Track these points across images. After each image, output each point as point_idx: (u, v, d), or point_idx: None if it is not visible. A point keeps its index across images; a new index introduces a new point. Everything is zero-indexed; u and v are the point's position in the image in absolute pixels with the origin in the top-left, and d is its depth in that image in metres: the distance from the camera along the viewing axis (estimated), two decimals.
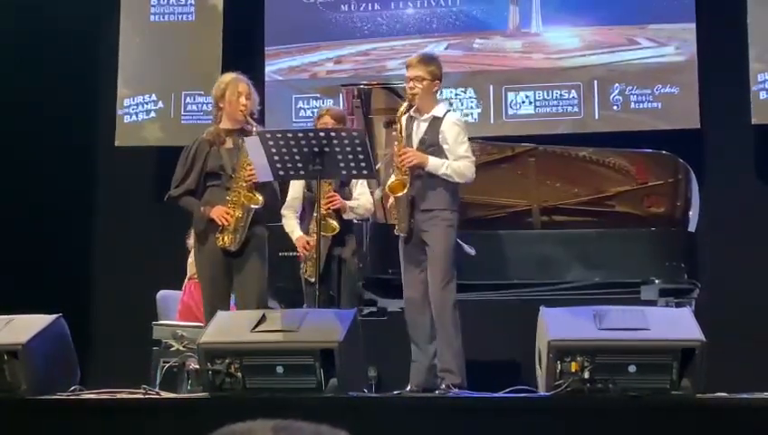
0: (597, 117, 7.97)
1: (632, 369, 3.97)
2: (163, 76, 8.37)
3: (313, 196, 5.18)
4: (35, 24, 8.44)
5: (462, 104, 8.01)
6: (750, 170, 7.70)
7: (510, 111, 8.09)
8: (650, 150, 6.50)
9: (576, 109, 7.99)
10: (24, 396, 4.34)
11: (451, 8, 8.27)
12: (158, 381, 5.53)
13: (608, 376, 3.96)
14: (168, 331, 5.99)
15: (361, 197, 5.50)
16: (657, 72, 7.91)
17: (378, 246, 5.79)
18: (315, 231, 5.09)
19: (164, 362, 5.71)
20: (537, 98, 8.06)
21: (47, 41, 8.42)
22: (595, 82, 7.98)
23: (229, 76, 5.35)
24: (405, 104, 5.15)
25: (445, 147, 5.09)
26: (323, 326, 4.27)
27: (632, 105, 7.92)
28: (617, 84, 7.95)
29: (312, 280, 5.14)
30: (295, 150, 4.77)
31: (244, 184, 5.10)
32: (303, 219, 5.51)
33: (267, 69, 8.36)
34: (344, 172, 4.89)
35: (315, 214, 5.05)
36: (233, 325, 4.39)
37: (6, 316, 4.62)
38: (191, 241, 6.60)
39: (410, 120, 5.18)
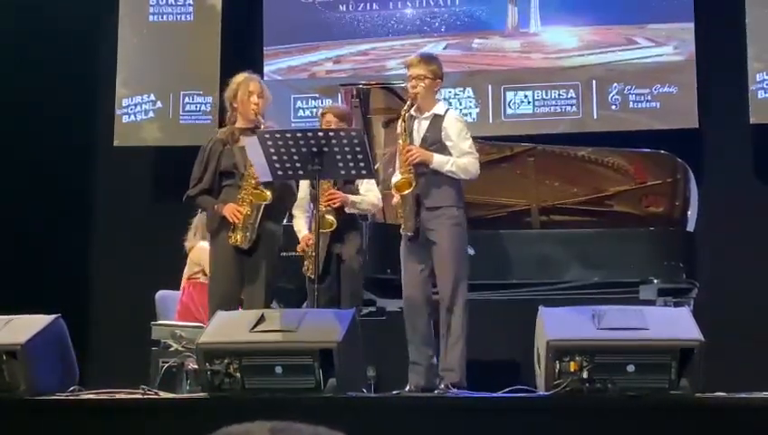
0: (596, 116, 7.97)
1: (631, 369, 3.97)
2: (162, 76, 8.37)
3: (315, 193, 5.17)
4: (34, 24, 8.44)
5: (461, 104, 8.01)
6: (749, 170, 7.70)
7: (509, 111, 8.09)
8: (649, 150, 6.50)
9: (575, 108, 7.99)
10: (23, 396, 4.34)
11: (450, 8, 8.27)
12: (157, 382, 5.52)
13: (606, 376, 3.96)
14: (167, 331, 5.99)
15: (368, 193, 5.49)
16: (656, 72, 7.91)
17: (377, 245, 5.79)
18: (315, 229, 5.09)
19: (163, 363, 5.70)
20: (536, 98, 8.06)
21: (46, 41, 8.42)
22: (594, 81, 7.99)
23: (241, 76, 5.37)
24: (408, 103, 5.15)
25: (448, 144, 5.09)
26: (322, 326, 4.27)
27: (631, 105, 7.92)
28: (615, 84, 7.95)
29: (313, 277, 5.13)
30: (294, 151, 4.77)
31: (253, 181, 5.11)
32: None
33: (266, 69, 8.36)
34: (343, 172, 4.89)
35: (315, 212, 5.06)
36: (232, 325, 4.39)
37: (5, 316, 4.62)
38: (189, 243, 6.61)
39: (411, 118, 5.18)
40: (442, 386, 4.86)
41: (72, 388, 4.51)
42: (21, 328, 4.51)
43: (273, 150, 4.78)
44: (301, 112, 8.35)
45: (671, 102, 7.84)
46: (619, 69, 7.99)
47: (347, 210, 5.41)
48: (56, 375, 4.55)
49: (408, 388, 5.00)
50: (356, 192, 5.48)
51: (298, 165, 4.80)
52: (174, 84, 8.33)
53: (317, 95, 8.35)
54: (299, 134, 4.81)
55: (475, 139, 5.31)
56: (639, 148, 6.59)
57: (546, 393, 4.01)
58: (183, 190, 5.32)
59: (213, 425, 1.32)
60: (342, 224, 5.38)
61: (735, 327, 7.06)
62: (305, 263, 5.35)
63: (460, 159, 5.06)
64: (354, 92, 6.25)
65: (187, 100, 8.32)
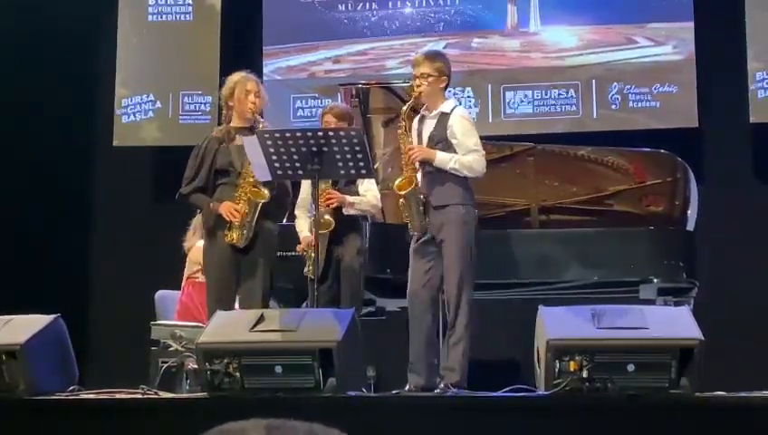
0: (595, 116, 7.97)
1: (631, 368, 3.97)
2: (161, 76, 8.37)
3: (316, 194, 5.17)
4: (34, 24, 8.44)
5: (460, 103, 7.99)
6: (748, 169, 7.70)
7: (508, 111, 8.09)
8: (649, 149, 6.50)
9: (574, 108, 7.99)
10: (23, 396, 4.34)
11: (449, 7, 8.27)
12: (156, 382, 5.52)
13: (606, 375, 3.96)
14: (167, 331, 5.98)
15: (367, 193, 5.48)
16: (656, 71, 7.91)
17: (377, 245, 5.79)
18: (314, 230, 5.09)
19: (162, 362, 5.69)
20: (535, 97, 8.06)
21: (46, 41, 8.42)
22: (593, 81, 7.98)
23: (238, 75, 5.36)
24: (410, 102, 5.12)
25: (453, 141, 5.05)
26: (322, 326, 4.27)
27: (630, 104, 7.92)
28: (615, 83, 7.95)
29: (313, 277, 5.12)
30: (293, 150, 4.76)
31: (251, 179, 5.11)
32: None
33: (265, 68, 8.36)
34: (342, 172, 4.88)
35: (315, 213, 5.06)
36: (231, 325, 4.39)
37: (5, 316, 4.62)
38: (187, 243, 6.61)
39: (421, 118, 5.16)
40: (442, 385, 4.85)
41: (71, 388, 4.51)
42: (20, 328, 4.51)
43: (272, 150, 4.78)
44: (300, 112, 8.34)
45: (671, 102, 7.84)
46: (618, 68, 7.99)
47: (344, 211, 5.40)
48: (56, 375, 4.55)
49: (407, 387, 4.98)
50: (356, 192, 5.47)
51: (297, 165, 4.80)
52: (173, 84, 8.33)
53: (316, 95, 8.35)
54: (298, 134, 4.81)
55: None
56: (639, 147, 6.59)
57: (546, 393, 4.01)
58: None
59: (213, 425, 1.32)
60: (342, 224, 5.38)
61: (735, 326, 7.06)
62: (307, 264, 5.34)
63: (465, 156, 5.03)
64: (353, 92, 6.25)
65: (186, 99, 8.32)
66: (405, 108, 5.13)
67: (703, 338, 3.99)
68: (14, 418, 4.28)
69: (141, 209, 8.30)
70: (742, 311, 7.22)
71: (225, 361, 4.14)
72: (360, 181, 5.45)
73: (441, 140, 5.06)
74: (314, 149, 4.73)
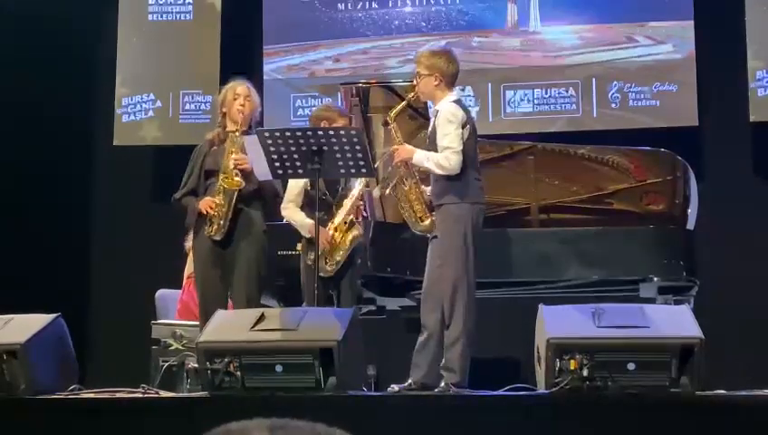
0: (595, 115, 7.97)
1: (631, 366, 3.98)
2: (161, 75, 8.37)
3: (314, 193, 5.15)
4: (34, 24, 8.44)
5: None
6: (748, 168, 7.70)
7: (508, 109, 8.09)
8: (649, 148, 6.49)
9: (574, 107, 7.99)
10: (23, 396, 4.35)
11: (449, 6, 8.27)
12: (157, 381, 5.52)
13: (607, 374, 3.96)
14: (168, 330, 5.98)
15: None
16: (656, 70, 7.91)
17: (377, 244, 5.79)
18: (341, 226, 5.06)
19: (163, 362, 5.70)
20: (535, 96, 8.06)
21: (46, 40, 8.41)
22: (593, 79, 7.98)
23: (232, 81, 5.42)
24: (403, 102, 5.11)
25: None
26: (322, 325, 4.27)
27: (630, 103, 7.91)
28: (615, 82, 7.95)
29: (321, 274, 5.09)
30: (294, 149, 4.77)
31: (229, 169, 5.13)
32: None
33: (266, 68, 8.36)
34: (343, 171, 4.89)
35: (320, 213, 5.04)
36: (231, 324, 4.40)
37: (5, 316, 4.63)
38: (189, 243, 6.62)
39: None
40: (442, 384, 4.84)
41: (72, 387, 4.52)
42: (21, 327, 4.52)
43: (272, 149, 4.78)
44: (300, 112, 8.34)
45: (671, 100, 7.84)
46: (618, 67, 7.99)
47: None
48: (56, 374, 4.55)
49: (408, 382, 4.91)
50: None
51: (298, 164, 4.80)
52: (173, 84, 8.33)
53: (317, 94, 8.35)
54: (299, 133, 4.81)
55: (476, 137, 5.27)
56: (639, 146, 6.58)
57: (546, 391, 4.02)
58: None
59: (213, 424, 1.32)
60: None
61: (736, 325, 7.06)
62: (307, 256, 5.29)
63: (439, 153, 4.89)
64: (354, 91, 6.25)
65: (186, 99, 8.32)
66: (399, 107, 5.09)
67: (703, 337, 4.00)
68: (15, 417, 4.28)
69: (142, 208, 8.30)
70: (742, 310, 7.21)
71: (226, 360, 4.15)
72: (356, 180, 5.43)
73: (433, 139, 5.03)
74: (315, 148, 4.73)
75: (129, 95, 8.37)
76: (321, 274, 5.09)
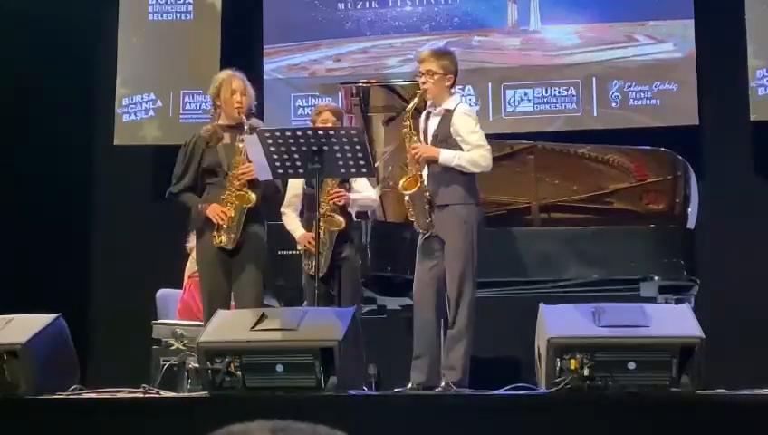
0: (595, 114, 7.97)
1: (632, 366, 3.97)
2: (162, 75, 8.37)
3: (314, 192, 5.15)
4: (34, 24, 8.44)
5: (462, 101, 8.00)
6: (748, 167, 7.70)
7: (508, 109, 8.09)
8: (649, 147, 6.50)
9: (574, 106, 7.99)
10: (24, 396, 4.35)
11: (450, 5, 8.27)
12: (158, 381, 5.52)
13: (607, 373, 3.96)
14: (168, 330, 5.99)
15: (365, 189, 5.46)
16: (656, 69, 7.91)
17: (377, 243, 5.79)
18: (320, 227, 5.06)
19: (164, 361, 5.70)
20: (536, 95, 8.06)
21: (46, 40, 8.42)
22: (594, 79, 7.98)
23: (224, 73, 5.34)
24: (415, 100, 5.11)
25: (457, 139, 5.03)
26: (323, 325, 4.27)
27: (631, 102, 7.91)
28: (615, 81, 7.95)
29: (318, 274, 5.09)
30: (294, 149, 4.76)
31: (237, 183, 5.09)
32: (302, 216, 5.46)
33: (266, 67, 8.36)
34: (343, 171, 4.88)
35: (321, 210, 5.04)
36: (232, 324, 4.40)
37: (6, 316, 4.62)
38: (190, 244, 6.61)
39: (428, 115, 5.15)
40: (443, 384, 4.85)
41: (72, 387, 4.52)
42: (22, 327, 4.51)
43: (273, 149, 4.78)
44: (301, 111, 8.34)
45: (671, 100, 7.84)
46: (619, 66, 7.98)
47: (349, 209, 5.39)
48: (57, 374, 4.55)
49: (409, 385, 4.98)
50: (349, 191, 5.45)
51: (298, 163, 4.80)
52: (174, 83, 8.33)
53: (317, 93, 8.35)
54: (299, 132, 4.81)
55: None
56: (639, 145, 6.59)
57: (547, 391, 4.02)
58: None
59: (214, 424, 1.32)
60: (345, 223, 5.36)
61: (736, 324, 7.06)
62: (305, 261, 5.32)
63: (470, 152, 5.00)
64: (354, 91, 6.25)
65: (187, 99, 8.32)
66: (409, 106, 5.12)
67: (704, 336, 4.00)
68: (16, 417, 4.28)
69: (142, 208, 8.30)
70: (743, 309, 7.21)
71: (227, 360, 4.15)
72: (353, 180, 5.42)
73: (445, 138, 5.04)
74: (315, 147, 4.73)
75: (129, 95, 8.37)
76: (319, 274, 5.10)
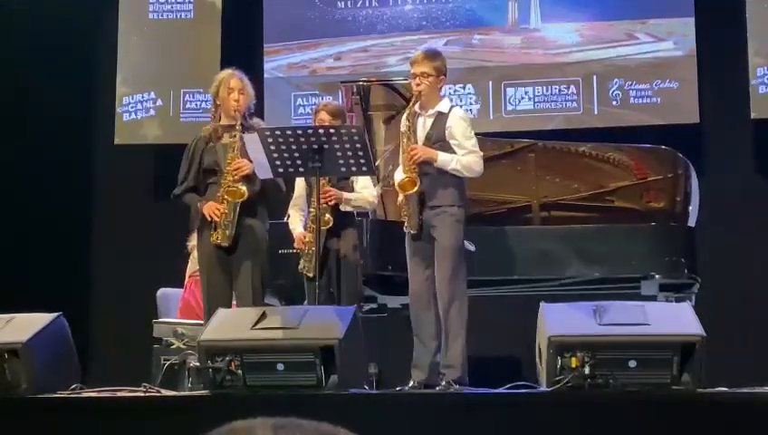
0: (596, 112, 7.96)
1: (633, 364, 3.98)
2: (162, 74, 8.37)
3: (311, 191, 5.16)
4: (34, 23, 8.43)
5: (461, 100, 8.00)
6: (749, 165, 7.70)
7: (509, 107, 8.09)
8: (650, 146, 6.50)
9: (575, 104, 7.99)
10: (25, 395, 4.35)
11: (450, 4, 8.27)
12: (158, 380, 5.52)
13: (608, 371, 3.96)
14: (169, 328, 5.98)
15: (364, 190, 5.47)
16: (656, 67, 7.90)
17: (377, 242, 5.79)
18: (312, 227, 5.08)
19: (164, 360, 5.70)
20: (536, 93, 8.06)
21: (46, 39, 8.41)
22: (594, 77, 7.98)
23: (224, 72, 5.37)
24: (412, 101, 5.14)
25: (452, 142, 5.08)
26: (324, 323, 4.28)
27: (631, 100, 7.91)
28: (616, 79, 7.94)
29: (311, 275, 5.13)
30: (294, 148, 4.77)
31: (230, 178, 5.11)
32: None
33: (266, 66, 8.36)
34: (343, 169, 4.89)
35: (311, 210, 5.06)
36: (233, 323, 4.40)
37: (7, 315, 4.63)
38: (191, 244, 6.61)
39: (415, 116, 5.17)
40: (443, 383, 4.86)
41: (73, 386, 4.51)
42: (22, 326, 4.52)
43: (273, 148, 4.78)
44: (301, 110, 8.34)
45: (672, 98, 7.84)
46: (619, 64, 7.98)
47: (341, 208, 5.39)
48: (58, 373, 4.55)
49: (410, 384, 5.00)
50: (350, 188, 5.45)
51: (299, 162, 4.80)
52: (174, 82, 8.33)
53: (317, 92, 8.35)
54: (299, 131, 4.81)
55: (475, 135, 5.31)
56: (640, 143, 6.59)
57: (548, 389, 4.02)
58: None
59: (215, 422, 1.32)
60: (338, 220, 5.36)
61: (737, 322, 7.06)
62: (300, 261, 5.33)
63: (465, 157, 5.06)
64: (355, 89, 6.25)
65: (187, 97, 8.32)
66: (409, 108, 5.14)
67: (704, 334, 4.00)
68: (17, 416, 4.28)
69: (143, 207, 8.30)
70: (743, 307, 7.22)
71: (227, 358, 4.15)
72: (355, 178, 5.42)
73: (439, 140, 5.09)
74: (315, 146, 4.73)
75: (129, 94, 8.37)
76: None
